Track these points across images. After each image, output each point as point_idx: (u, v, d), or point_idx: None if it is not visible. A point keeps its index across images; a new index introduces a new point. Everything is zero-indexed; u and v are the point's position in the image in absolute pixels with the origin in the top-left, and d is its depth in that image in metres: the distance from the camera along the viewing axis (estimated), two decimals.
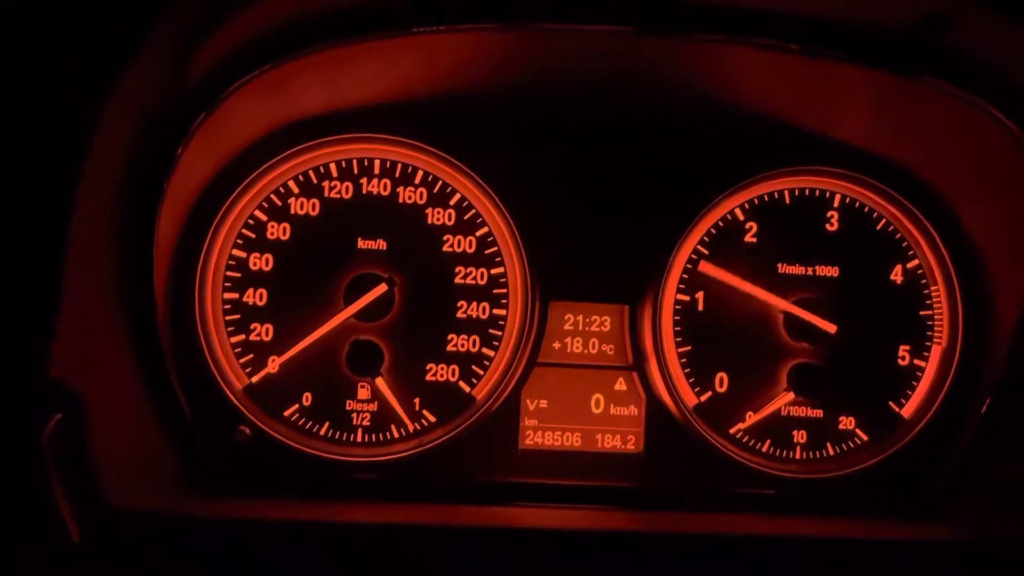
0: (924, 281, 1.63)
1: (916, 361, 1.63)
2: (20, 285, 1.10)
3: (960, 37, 1.21)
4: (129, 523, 1.21)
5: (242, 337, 1.53)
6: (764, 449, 1.61)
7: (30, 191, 1.10)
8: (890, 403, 1.63)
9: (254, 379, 1.54)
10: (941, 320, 1.63)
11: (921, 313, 1.63)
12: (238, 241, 1.54)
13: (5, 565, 1.11)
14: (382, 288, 1.53)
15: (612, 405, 1.62)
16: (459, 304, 1.57)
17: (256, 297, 1.54)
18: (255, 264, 1.54)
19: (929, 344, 1.63)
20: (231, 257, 1.54)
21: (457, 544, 1.36)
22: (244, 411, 1.51)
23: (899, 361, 1.63)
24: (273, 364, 1.54)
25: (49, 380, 1.11)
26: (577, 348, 1.62)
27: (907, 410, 1.63)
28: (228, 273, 1.54)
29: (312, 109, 1.54)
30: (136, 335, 1.35)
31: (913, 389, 1.63)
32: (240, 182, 1.52)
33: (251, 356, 1.54)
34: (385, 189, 1.57)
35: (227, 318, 1.53)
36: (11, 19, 1.08)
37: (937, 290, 1.63)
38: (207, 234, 1.51)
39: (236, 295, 1.54)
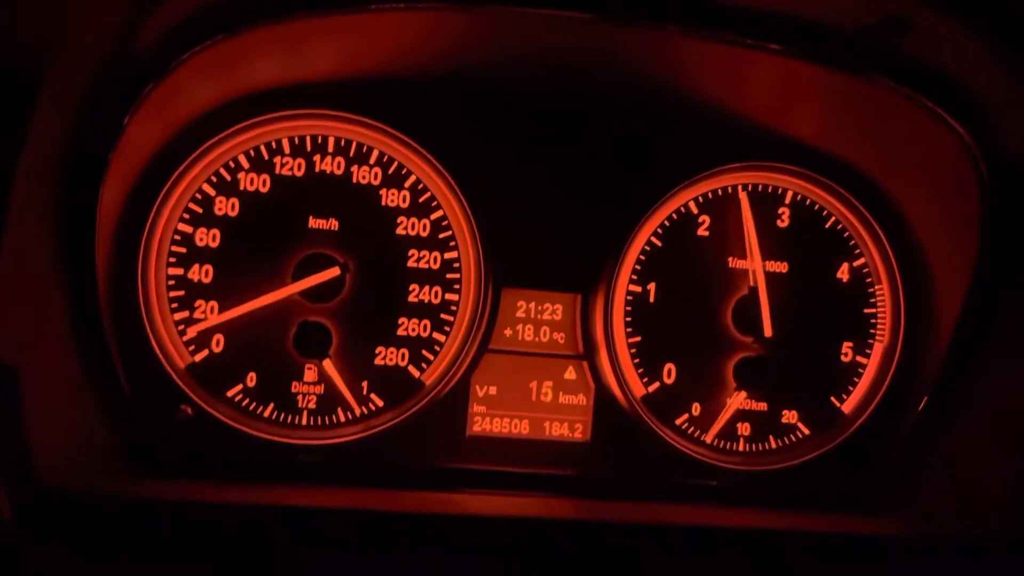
0: (869, 280, 1.67)
1: (858, 358, 1.66)
2: None
3: (915, 40, 1.23)
4: (63, 502, 1.17)
5: (186, 314, 1.49)
6: (708, 440, 1.63)
7: None
8: (832, 398, 1.66)
9: (197, 358, 1.50)
10: (884, 318, 1.66)
11: (865, 311, 1.67)
12: (184, 215, 1.49)
13: None
14: (334, 271, 1.50)
15: (561, 393, 1.62)
16: (411, 288, 1.55)
17: (202, 274, 1.49)
18: (201, 240, 1.50)
19: (871, 342, 1.67)
20: (176, 232, 1.49)
21: (402, 530, 1.35)
22: (186, 390, 1.47)
23: (842, 357, 1.66)
24: (217, 343, 1.50)
25: None
26: (528, 336, 1.61)
27: (848, 405, 1.66)
28: (173, 248, 1.49)
29: (266, 82, 1.50)
30: (76, 309, 1.30)
31: (854, 385, 1.66)
32: (189, 154, 1.48)
33: (195, 333, 1.49)
34: (339, 168, 1.54)
35: (171, 294, 1.49)
36: None
37: (881, 289, 1.67)
38: (152, 207, 1.46)
39: (181, 271, 1.49)
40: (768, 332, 1.61)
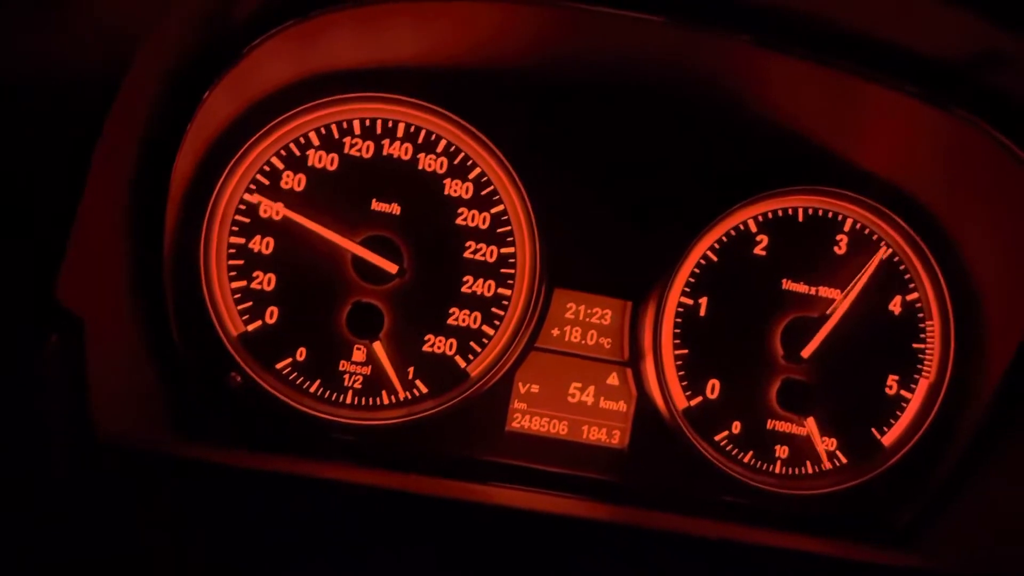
0: (921, 315, 1.66)
1: (903, 391, 1.65)
2: (38, 204, 1.08)
3: (1006, 75, 1.22)
4: (117, 457, 1.19)
5: (243, 284, 1.51)
6: (746, 460, 1.63)
7: (62, 117, 1.08)
8: (872, 429, 1.65)
9: (250, 327, 1.51)
10: (932, 354, 1.65)
11: (914, 345, 1.65)
12: (251, 187, 1.51)
13: None
14: (392, 267, 1.52)
15: (602, 398, 1.62)
16: (465, 279, 1.56)
17: (263, 245, 1.51)
18: (265, 212, 1.51)
19: (918, 377, 1.65)
20: (242, 202, 1.51)
21: (432, 514, 1.36)
22: (237, 358, 1.49)
23: (887, 390, 1.65)
24: (271, 315, 1.52)
25: (54, 301, 1.09)
26: (575, 338, 1.62)
27: (888, 438, 1.65)
28: (237, 217, 1.51)
29: (342, 63, 1.51)
30: (140, 269, 1.32)
31: (897, 419, 1.65)
32: (261, 127, 1.50)
33: (250, 304, 1.51)
34: (406, 153, 1.55)
35: (231, 263, 1.51)
36: None
37: (932, 325, 1.66)
38: (221, 175, 1.48)
39: (242, 240, 1.51)
40: (804, 355, 1.61)
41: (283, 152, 1.52)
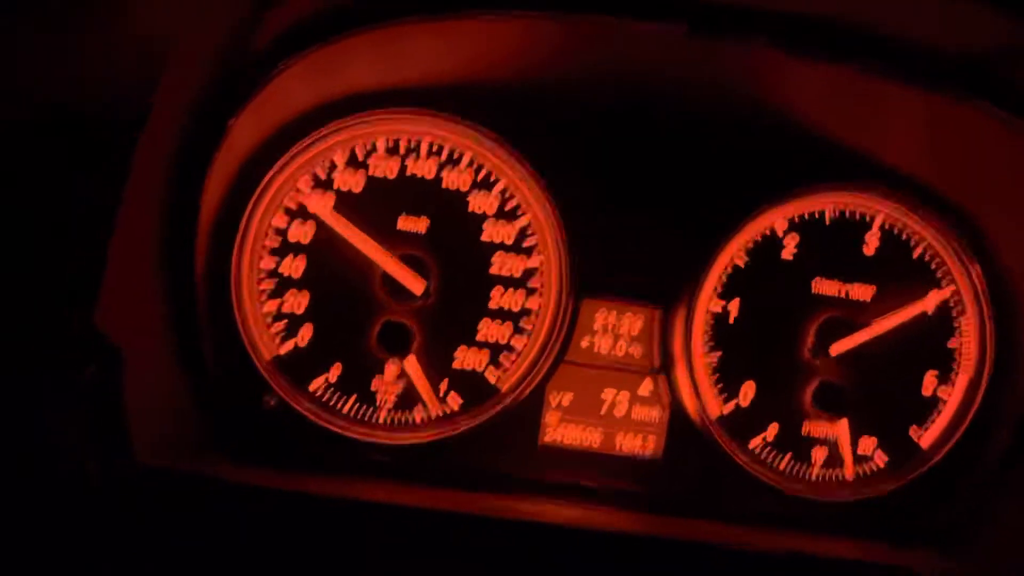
0: (956, 311, 1.63)
1: (940, 390, 1.63)
2: (73, 235, 1.10)
3: None
4: (154, 481, 1.21)
5: (275, 306, 1.53)
6: (781, 466, 1.61)
7: (92, 149, 1.11)
8: (911, 430, 1.63)
9: (282, 350, 1.53)
10: (969, 351, 1.63)
11: (950, 343, 1.63)
12: (280, 209, 1.53)
13: (32, 511, 1.11)
14: (420, 285, 1.53)
15: (635, 408, 1.61)
16: (493, 292, 1.57)
17: (293, 268, 1.53)
18: (294, 234, 1.53)
19: (955, 375, 1.63)
20: (271, 225, 1.53)
21: (468, 531, 1.36)
22: (270, 381, 1.50)
23: (923, 389, 1.63)
24: (303, 336, 1.53)
25: (92, 330, 1.11)
26: (605, 347, 1.61)
27: (927, 439, 1.63)
28: (267, 242, 1.53)
29: (364, 85, 1.53)
30: (174, 296, 1.35)
31: (935, 419, 1.63)
32: (287, 151, 1.52)
33: (282, 326, 1.53)
34: (430, 171, 1.56)
35: (262, 286, 1.52)
36: None
37: (968, 321, 1.63)
38: (250, 200, 1.50)
39: (273, 263, 1.53)
40: (838, 357, 1.59)
41: (309, 175, 1.54)
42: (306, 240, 1.54)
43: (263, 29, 1.33)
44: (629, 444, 1.61)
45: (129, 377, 1.18)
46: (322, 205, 1.53)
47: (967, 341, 1.63)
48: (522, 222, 1.58)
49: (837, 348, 1.59)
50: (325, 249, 1.54)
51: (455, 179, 1.56)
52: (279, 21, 1.34)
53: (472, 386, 1.57)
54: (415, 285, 1.53)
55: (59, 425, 1.10)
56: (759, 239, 1.61)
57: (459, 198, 1.57)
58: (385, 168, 1.55)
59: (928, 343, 1.63)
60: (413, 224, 1.55)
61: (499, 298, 1.57)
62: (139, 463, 1.19)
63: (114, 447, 1.16)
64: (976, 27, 1.16)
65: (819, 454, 1.62)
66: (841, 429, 1.60)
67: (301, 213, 1.54)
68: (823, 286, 1.61)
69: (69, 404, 1.09)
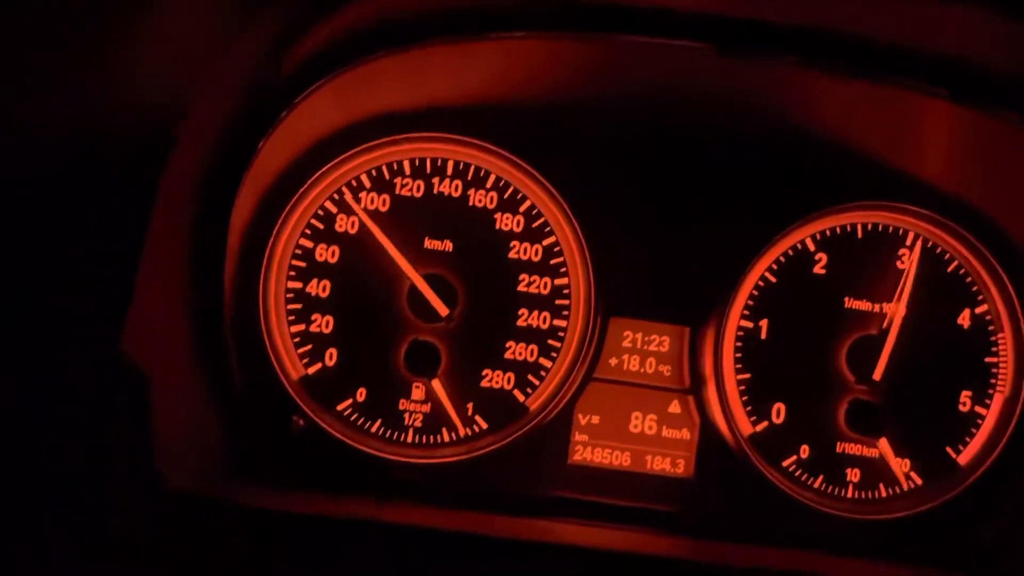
0: (991, 327, 1.60)
1: (977, 408, 1.59)
2: (100, 261, 1.10)
3: None
4: (186, 506, 1.20)
5: (302, 327, 1.53)
6: (816, 485, 1.58)
7: (121, 171, 1.11)
8: (947, 448, 1.59)
9: (310, 371, 1.53)
10: (1006, 368, 1.59)
11: (986, 360, 1.60)
12: (306, 231, 1.53)
13: (63, 537, 1.10)
14: (444, 310, 1.52)
15: (665, 427, 1.59)
16: (520, 312, 1.56)
17: (319, 288, 1.53)
18: (321, 255, 1.53)
19: (992, 392, 1.60)
20: (298, 246, 1.53)
21: (498, 553, 1.35)
22: (299, 402, 1.50)
23: (960, 407, 1.59)
24: (330, 357, 1.53)
25: (121, 358, 1.11)
26: (634, 366, 1.60)
27: (964, 457, 1.60)
28: (294, 262, 1.53)
29: (390, 106, 1.53)
30: (202, 319, 1.35)
31: (972, 436, 1.59)
32: (313, 173, 1.52)
33: (309, 347, 1.53)
34: (456, 190, 1.56)
35: (289, 307, 1.53)
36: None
37: (1004, 337, 1.60)
38: (277, 222, 1.51)
39: (300, 284, 1.53)
40: (877, 376, 1.56)
41: (336, 196, 1.54)
42: (333, 260, 1.53)
43: (292, 52, 1.33)
44: (659, 464, 1.59)
45: (157, 402, 1.18)
46: (351, 224, 1.53)
47: (1004, 358, 1.60)
48: (549, 241, 1.57)
49: (872, 369, 1.56)
50: (352, 269, 1.54)
51: (481, 198, 1.56)
52: (308, 44, 1.34)
53: (500, 406, 1.56)
54: (441, 307, 1.52)
55: (88, 453, 1.10)
56: (789, 255, 1.59)
57: (486, 217, 1.56)
58: (412, 188, 1.55)
59: (964, 360, 1.60)
60: (440, 243, 1.55)
61: (526, 317, 1.56)
62: (169, 488, 1.19)
63: (143, 473, 1.16)
64: (1007, 42, 1.14)
65: (854, 474, 1.59)
66: (883, 447, 1.57)
67: (328, 234, 1.54)
68: (856, 302, 1.59)
69: (98, 432, 1.08)
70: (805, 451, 1.58)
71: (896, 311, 1.59)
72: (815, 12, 1.28)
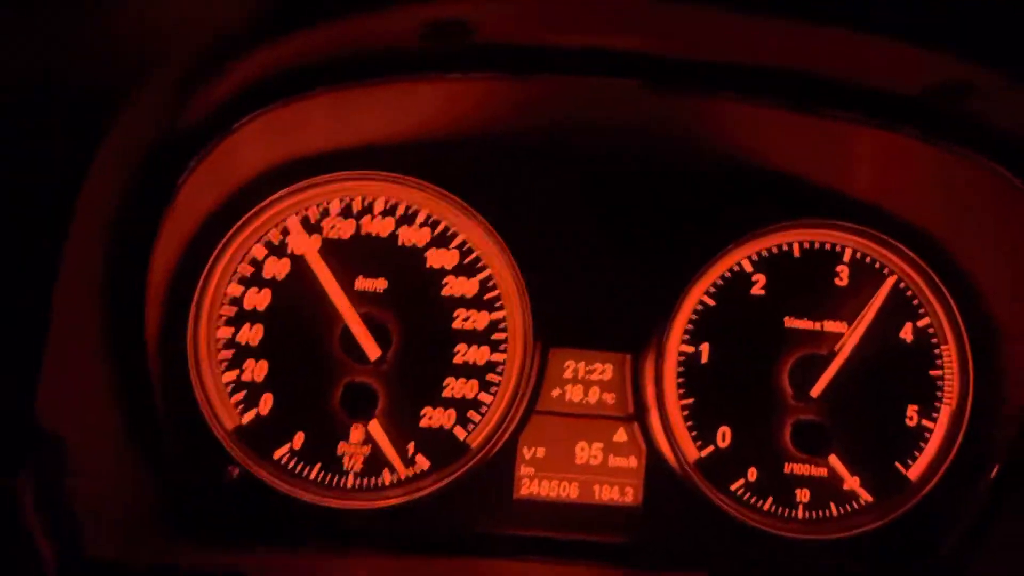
0: (934, 340, 1.59)
1: (924, 422, 1.58)
2: (5, 322, 1.07)
3: (977, 103, 1.18)
4: (111, 572, 1.17)
5: (235, 375, 1.50)
6: (765, 508, 1.57)
7: (21, 221, 1.07)
8: (896, 464, 1.58)
9: (244, 419, 1.50)
10: (951, 380, 1.59)
11: (931, 373, 1.59)
12: (235, 276, 1.51)
13: None
14: (376, 352, 1.50)
15: (611, 456, 1.57)
16: (457, 348, 1.54)
17: (251, 334, 1.50)
18: (251, 301, 1.51)
19: (938, 404, 1.58)
20: (226, 293, 1.51)
21: None
22: (234, 452, 1.47)
23: (907, 421, 1.58)
24: (264, 404, 1.50)
25: (31, 422, 1.08)
26: (576, 396, 1.58)
27: (914, 472, 1.58)
28: (223, 310, 1.50)
29: (316, 146, 1.51)
30: (124, 373, 1.31)
31: (921, 450, 1.58)
32: (239, 217, 1.50)
33: (243, 394, 1.50)
34: (385, 230, 1.54)
35: (220, 355, 1.50)
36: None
37: (948, 349, 1.59)
38: (203, 269, 1.48)
39: (231, 331, 1.50)
40: (815, 394, 1.55)
41: (264, 239, 1.52)
42: (264, 305, 1.51)
43: (216, 89, 1.30)
44: (608, 494, 1.57)
45: (78, 465, 1.15)
46: (281, 267, 1.51)
47: (949, 371, 1.59)
48: (483, 275, 1.55)
49: (815, 388, 1.55)
50: (283, 314, 1.51)
51: (412, 236, 1.54)
52: (233, 80, 1.31)
53: (441, 445, 1.53)
54: (372, 349, 1.50)
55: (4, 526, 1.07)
56: (727, 277, 1.58)
57: (417, 255, 1.54)
58: (340, 230, 1.53)
59: (909, 375, 1.59)
60: (371, 284, 1.53)
61: (464, 353, 1.54)
62: (93, 556, 1.16)
63: (64, 542, 1.12)
64: (918, 67, 1.14)
65: (803, 494, 1.57)
66: (835, 464, 1.56)
67: (257, 279, 1.51)
68: (795, 322, 1.58)
69: (9, 506, 1.05)
70: (753, 474, 1.57)
71: (843, 330, 1.58)
72: (743, 50, 1.27)
